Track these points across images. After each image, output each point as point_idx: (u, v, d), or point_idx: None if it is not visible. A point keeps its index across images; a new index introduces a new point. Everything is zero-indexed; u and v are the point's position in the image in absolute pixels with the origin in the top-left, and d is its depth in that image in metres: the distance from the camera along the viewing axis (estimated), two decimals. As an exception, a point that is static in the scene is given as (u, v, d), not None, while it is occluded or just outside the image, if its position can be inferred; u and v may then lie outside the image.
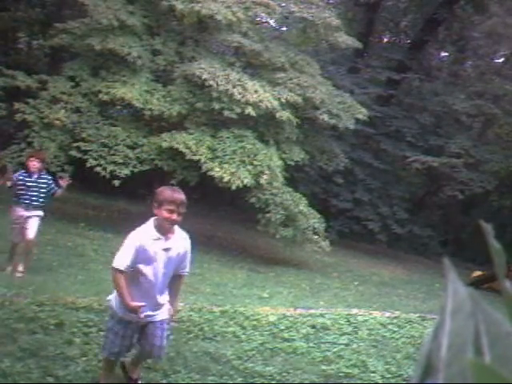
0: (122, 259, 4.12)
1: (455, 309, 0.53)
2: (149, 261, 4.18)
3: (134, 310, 4.18)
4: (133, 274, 4.18)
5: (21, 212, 8.49)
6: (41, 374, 4.93)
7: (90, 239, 12.25)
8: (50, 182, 8.67)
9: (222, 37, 15.14)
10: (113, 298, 4.35)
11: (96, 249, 11.41)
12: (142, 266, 4.17)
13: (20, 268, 8.55)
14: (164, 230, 4.20)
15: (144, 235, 4.18)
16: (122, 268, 4.09)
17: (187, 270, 4.53)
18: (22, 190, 8.43)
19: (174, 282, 4.49)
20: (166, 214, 4.12)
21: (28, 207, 8.48)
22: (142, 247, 4.14)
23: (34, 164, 8.47)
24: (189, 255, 4.47)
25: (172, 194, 4.17)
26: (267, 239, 15.29)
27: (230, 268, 12.42)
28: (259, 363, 6.05)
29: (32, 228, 8.56)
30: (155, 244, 4.18)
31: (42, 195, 8.52)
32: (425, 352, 0.53)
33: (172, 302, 4.54)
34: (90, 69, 14.55)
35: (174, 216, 4.14)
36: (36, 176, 8.47)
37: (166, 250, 4.23)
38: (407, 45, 25.94)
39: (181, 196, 4.19)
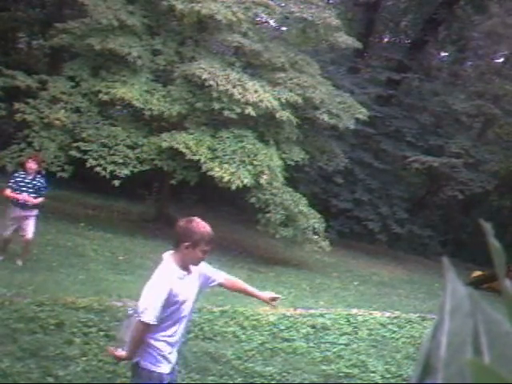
0: (153, 311, 3.62)
1: (454, 308, 0.52)
2: (177, 303, 3.75)
3: (120, 358, 3.89)
4: (161, 321, 3.72)
5: (17, 212, 8.95)
6: (41, 374, 4.93)
7: (90, 239, 12.24)
8: (44, 184, 9.20)
9: (222, 37, 15.13)
10: (145, 358, 3.76)
11: (96, 249, 11.40)
12: (170, 310, 3.73)
13: (19, 263, 9.04)
14: (187, 266, 3.85)
15: (172, 277, 3.71)
16: (153, 322, 3.64)
17: (220, 272, 4.12)
18: (18, 189, 8.94)
19: (233, 284, 4.12)
20: (200, 255, 3.74)
21: (24, 207, 8.94)
22: (172, 291, 3.68)
23: (31, 166, 9.04)
24: (209, 267, 4.08)
25: (207, 231, 3.74)
26: (267, 239, 15.29)
27: (230, 268, 12.39)
28: (259, 363, 6.05)
29: (30, 229, 9.06)
30: (183, 283, 3.77)
31: (34, 196, 8.98)
32: (424, 351, 0.53)
33: (256, 292, 4.17)
34: (90, 69, 14.54)
35: (206, 255, 3.80)
36: (31, 177, 9.01)
37: (191, 285, 3.86)
38: (407, 45, 25.95)
39: (212, 232, 3.80)
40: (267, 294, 4.14)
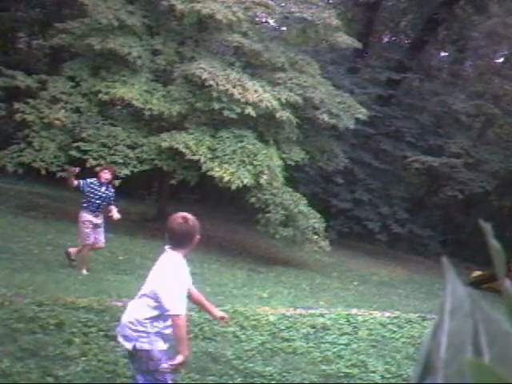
0: (182, 303, 3.89)
1: (454, 308, 0.53)
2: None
3: (184, 362, 3.93)
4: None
5: (89, 217, 9.30)
6: (41, 374, 4.93)
7: (90, 239, 12.22)
8: (113, 194, 9.54)
9: (222, 37, 15.14)
10: (141, 340, 3.92)
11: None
12: None
13: (84, 271, 9.28)
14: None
15: (186, 270, 4.06)
16: (185, 312, 3.92)
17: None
18: (92, 197, 9.28)
19: (195, 296, 4.41)
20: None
21: (96, 214, 9.34)
22: (187, 283, 4.09)
23: (107, 177, 9.40)
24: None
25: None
26: (267, 239, 15.28)
27: (230, 268, 12.41)
28: (259, 363, 6.05)
29: (102, 237, 9.53)
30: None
31: (105, 204, 9.39)
32: (424, 351, 0.53)
33: (211, 309, 4.50)
34: (90, 69, 14.54)
35: None
36: (105, 188, 9.35)
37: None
38: (407, 45, 25.94)
39: None
40: (218, 313, 4.48)
